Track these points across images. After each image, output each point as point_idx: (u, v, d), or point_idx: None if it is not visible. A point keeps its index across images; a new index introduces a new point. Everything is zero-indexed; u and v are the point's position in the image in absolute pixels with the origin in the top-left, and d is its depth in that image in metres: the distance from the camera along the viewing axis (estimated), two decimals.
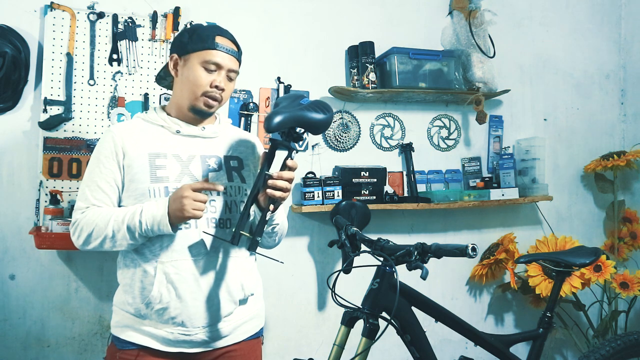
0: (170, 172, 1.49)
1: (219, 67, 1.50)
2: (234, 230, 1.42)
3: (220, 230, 1.51)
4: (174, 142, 1.53)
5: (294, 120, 1.44)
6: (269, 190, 1.43)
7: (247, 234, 1.42)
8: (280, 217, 1.59)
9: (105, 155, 1.49)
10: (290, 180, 1.45)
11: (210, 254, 1.48)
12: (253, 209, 1.51)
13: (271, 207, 1.45)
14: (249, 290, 1.56)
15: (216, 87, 1.50)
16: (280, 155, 1.51)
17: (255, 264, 1.65)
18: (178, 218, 1.39)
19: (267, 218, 1.44)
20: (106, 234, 1.42)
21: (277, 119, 1.41)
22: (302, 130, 1.48)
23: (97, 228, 1.42)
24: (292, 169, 1.47)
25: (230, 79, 1.54)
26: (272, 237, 1.61)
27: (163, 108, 1.60)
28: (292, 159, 1.48)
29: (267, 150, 1.49)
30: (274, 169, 1.47)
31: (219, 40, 1.51)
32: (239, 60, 1.57)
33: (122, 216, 1.41)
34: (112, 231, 1.41)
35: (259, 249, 1.53)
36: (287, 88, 2.43)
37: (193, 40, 1.51)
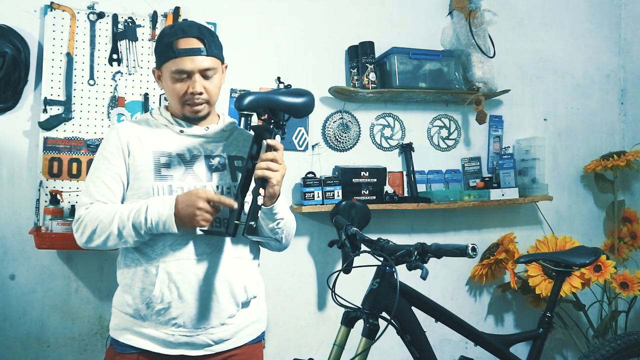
0: (174, 171, 1.48)
1: (188, 73, 1.47)
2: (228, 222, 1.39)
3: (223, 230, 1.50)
4: (178, 142, 1.52)
5: (266, 101, 1.43)
6: (255, 172, 1.40)
7: (242, 223, 1.40)
8: (284, 212, 1.52)
9: (110, 152, 1.49)
10: (273, 160, 1.40)
11: (213, 255, 1.48)
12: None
13: (261, 191, 1.40)
14: (251, 292, 1.54)
15: (191, 93, 1.48)
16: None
17: (259, 267, 1.63)
18: (186, 223, 1.39)
19: (258, 203, 1.40)
20: (111, 231, 1.40)
21: (248, 98, 1.42)
22: (287, 116, 1.47)
23: (102, 224, 1.41)
24: (275, 149, 1.41)
25: (207, 77, 1.49)
26: (279, 234, 1.54)
27: (167, 108, 1.60)
28: (273, 138, 1.43)
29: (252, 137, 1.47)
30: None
31: (181, 43, 1.45)
32: (213, 54, 1.49)
33: (127, 213, 1.40)
34: (118, 228, 1.40)
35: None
36: (287, 88, 2.43)
37: (159, 51, 1.51)
